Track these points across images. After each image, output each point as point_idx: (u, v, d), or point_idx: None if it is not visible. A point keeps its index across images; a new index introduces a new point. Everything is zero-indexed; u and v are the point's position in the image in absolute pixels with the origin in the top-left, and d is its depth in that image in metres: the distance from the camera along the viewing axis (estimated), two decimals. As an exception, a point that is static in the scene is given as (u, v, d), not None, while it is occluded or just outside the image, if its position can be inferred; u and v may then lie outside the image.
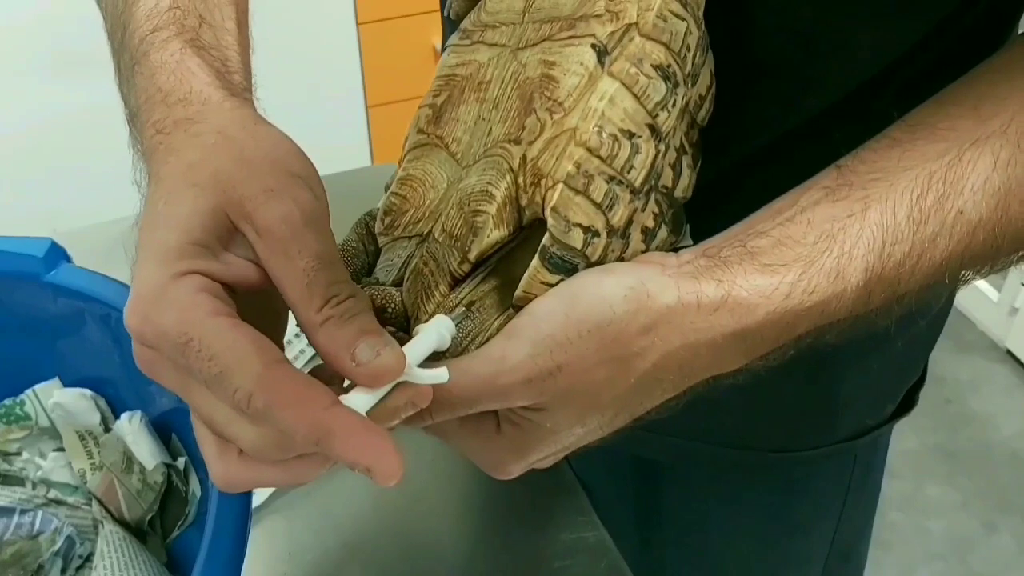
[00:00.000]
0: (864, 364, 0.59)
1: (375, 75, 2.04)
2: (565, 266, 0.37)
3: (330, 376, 0.35)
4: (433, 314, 0.39)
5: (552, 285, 0.37)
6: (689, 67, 0.40)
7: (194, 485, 0.52)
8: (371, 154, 2.12)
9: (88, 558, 0.55)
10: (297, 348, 0.73)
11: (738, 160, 0.47)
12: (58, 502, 0.56)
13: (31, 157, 1.79)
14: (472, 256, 0.38)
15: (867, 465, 0.67)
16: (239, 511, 0.41)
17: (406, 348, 0.35)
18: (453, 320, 0.38)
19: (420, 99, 0.43)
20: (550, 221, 0.37)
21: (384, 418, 0.34)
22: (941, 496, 1.77)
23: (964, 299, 2.09)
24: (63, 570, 0.54)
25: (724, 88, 0.43)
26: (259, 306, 0.35)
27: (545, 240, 0.37)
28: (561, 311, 0.36)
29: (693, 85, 0.41)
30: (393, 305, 0.40)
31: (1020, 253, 0.40)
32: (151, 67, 0.39)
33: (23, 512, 0.54)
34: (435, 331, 0.36)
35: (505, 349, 0.36)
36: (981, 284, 2.04)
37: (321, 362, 0.34)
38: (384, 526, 0.63)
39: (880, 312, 0.39)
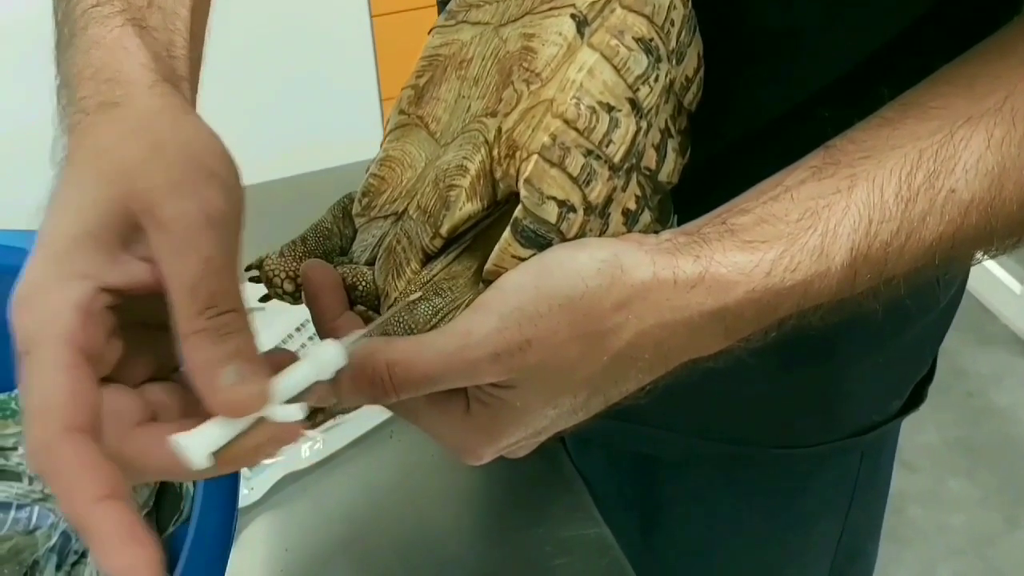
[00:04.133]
0: (869, 359, 0.58)
1: (389, 68, 2.04)
2: (538, 241, 0.36)
3: None
4: (403, 291, 0.38)
5: (524, 260, 0.36)
6: (673, 43, 0.39)
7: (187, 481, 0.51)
8: (385, 147, 2.13)
9: (83, 554, 0.55)
10: (298, 343, 0.73)
11: (728, 146, 0.46)
12: (54, 497, 0.56)
13: (34, 151, 1.80)
14: (444, 231, 0.37)
15: (874, 462, 0.66)
16: (224, 507, 0.40)
17: (280, 377, 0.31)
18: (414, 299, 0.37)
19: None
20: (523, 192, 0.36)
21: (240, 459, 0.31)
22: (962, 491, 1.75)
23: (986, 292, 2.06)
24: (58, 566, 0.54)
25: (713, 73, 0.42)
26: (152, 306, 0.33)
27: (517, 212, 0.36)
28: (531, 284, 0.35)
29: (678, 63, 0.40)
30: (364, 283, 0.39)
31: (1016, 237, 0.38)
32: (88, 41, 0.37)
33: (19, 507, 0.54)
34: (316, 362, 0.33)
35: (472, 323, 0.35)
36: (1003, 276, 2.02)
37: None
38: (380, 522, 0.62)
39: (867, 295, 0.37)
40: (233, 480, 0.42)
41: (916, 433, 1.80)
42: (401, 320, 0.37)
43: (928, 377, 0.64)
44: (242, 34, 1.93)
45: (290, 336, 0.74)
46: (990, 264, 2.05)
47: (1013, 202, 0.36)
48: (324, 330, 0.39)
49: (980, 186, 0.36)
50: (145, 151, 0.32)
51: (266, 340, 0.78)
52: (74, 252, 0.31)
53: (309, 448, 0.65)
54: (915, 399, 0.64)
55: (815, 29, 0.43)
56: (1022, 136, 0.36)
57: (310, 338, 0.74)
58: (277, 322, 0.75)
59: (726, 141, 0.46)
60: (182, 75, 0.39)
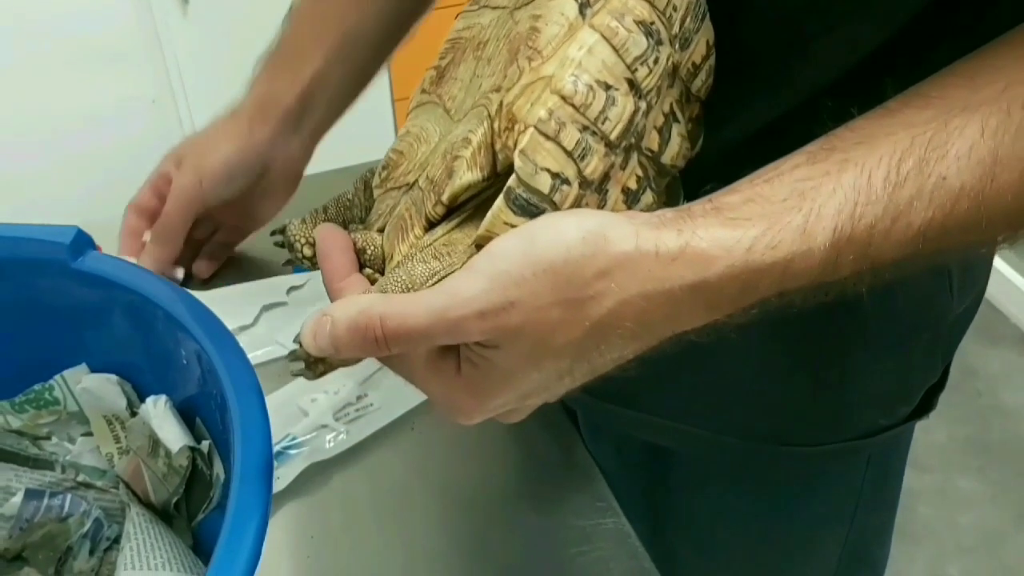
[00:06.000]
0: (879, 364, 0.58)
1: (401, 69, 2.05)
2: (530, 210, 0.37)
3: None
4: (406, 254, 0.40)
5: (515, 227, 0.37)
6: (676, 28, 0.40)
7: (218, 468, 0.52)
8: (397, 147, 2.14)
9: (115, 540, 0.56)
10: (320, 336, 0.75)
11: (737, 138, 0.47)
12: (86, 485, 0.57)
13: (62, 148, 1.81)
14: (445, 198, 0.39)
15: (882, 468, 0.66)
16: (259, 493, 0.41)
17: None
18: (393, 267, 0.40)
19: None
20: (517, 163, 0.37)
21: None
22: (971, 489, 1.75)
23: (996, 292, 2.06)
24: (91, 552, 0.55)
25: (721, 66, 0.43)
26: None
27: (511, 181, 0.37)
28: (518, 249, 0.36)
29: (683, 49, 0.41)
30: (373, 247, 0.41)
31: (1014, 230, 0.38)
32: (255, 75, 0.76)
33: (52, 495, 0.55)
34: None
35: (460, 283, 0.36)
36: (1013, 276, 2.02)
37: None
38: (402, 510, 0.63)
39: (853, 279, 0.38)
40: (267, 467, 0.43)
41: (926, 432, 1.80)
42: (399, 281, 0.39)
43: (939, 385, 0.64)
44: (253, 36, 1.94)
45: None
46: (1000, 264, 2.04)
47: (1007, 192, 0.36)
48: (332, 289, 0.42)
49: (972, 174, 0.36)
50: (204, 140, 0.74)
51: (289, 334, 0.79)
52: None
53: (333, 439, 0.66)
54: (925, 406, 0.64)
55: (817, 28, 0.43)
56: (1018, 125, 0.36)
57: (333, 332, 0.75)
58: (298, 319, 0.76)
59: (735, 133, 0.47)
60: (272, 114, 0.73)
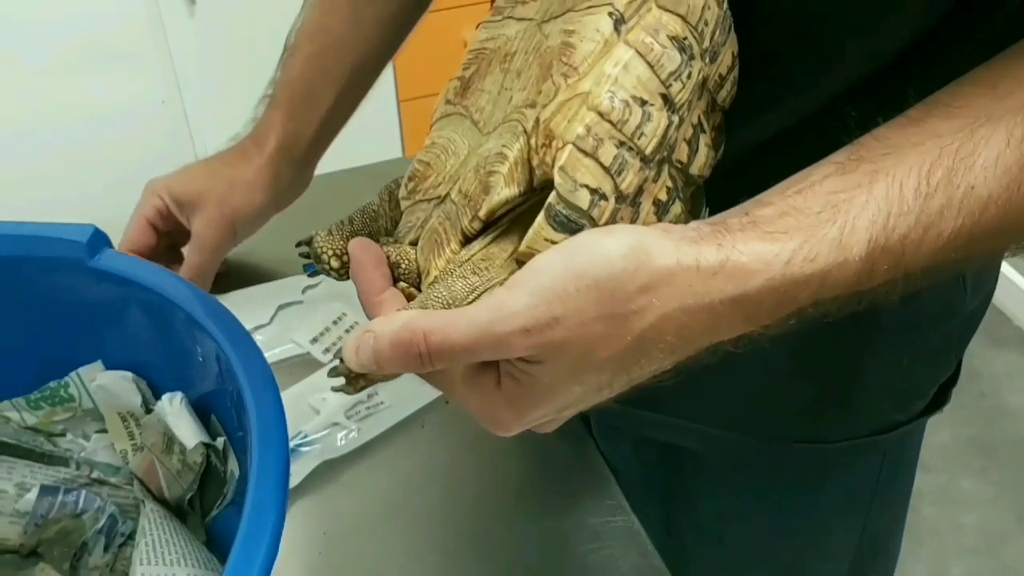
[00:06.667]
0: (893, 359, 0.58)
1: (406, 69, 2.05)
2: (570, 226, 0.38)
3: None
4: (443, 269, 0.40)
5: (555, 243, 0.38)
6: (707, 42, 0.40)
7: (232, 465, 0.53)
8: (403, 147, 2.14)
9: (130, 536, 0.56)
10: (335, 335, 0.75)
11: (758, 143, 0.47)
12: (101, 482, 0.57)
13: (72, 148, 1.82)
14: (482, 214, 0.39)
15: (896, 462, 0.67)
16: (277, 488, 0.41)
17: None
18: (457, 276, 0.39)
19: (451, 93, 0.45)
20: (557, 180, 0.37)
21: None
22: (974, 490, 1.75)
23: (1000, 294, 2.06)
24: (106, 547, 0.55)
25: (747, 72, 0.43)
26: None
27: (551, 198, 0.38)
28: (561, 265, 0.36)
29: (712, 62, 0.41)
30: (407, 262, 0.41)
31: None
32: (262, 115, 0.76)
33: (67, 491, 0.55)
34: None
35: (504, 299, 0.36)
36: (1017, 279, 2.02)
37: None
38: (412, 508, 0.64)
39: (886, 287, 0.38)
40: (284, 465, 0.43)
41: (930, 433, 1.77)
42: (440, 296, 0.39)
43: (952, 379, 0.64)
44: (260, 36, 1.95)
45: (327, 329, 0.75)
46: (1005, 268, 2.05)
47: None
48: (368, 304, 0.41)
49: (999, 183, 0.36)
50: (223, 187, 0.74)
51: (304, 333, 0.79)
52: None
53: (344, 437, 0.67)
54: (939, 400, 0.64)
55: (837, 32, 0.44)
56: None
57: (347, 330, 0.75)
58: (313, 317, 0.77)
59: (755, 138, 0.47)
60: (295, 155, 0.75)
